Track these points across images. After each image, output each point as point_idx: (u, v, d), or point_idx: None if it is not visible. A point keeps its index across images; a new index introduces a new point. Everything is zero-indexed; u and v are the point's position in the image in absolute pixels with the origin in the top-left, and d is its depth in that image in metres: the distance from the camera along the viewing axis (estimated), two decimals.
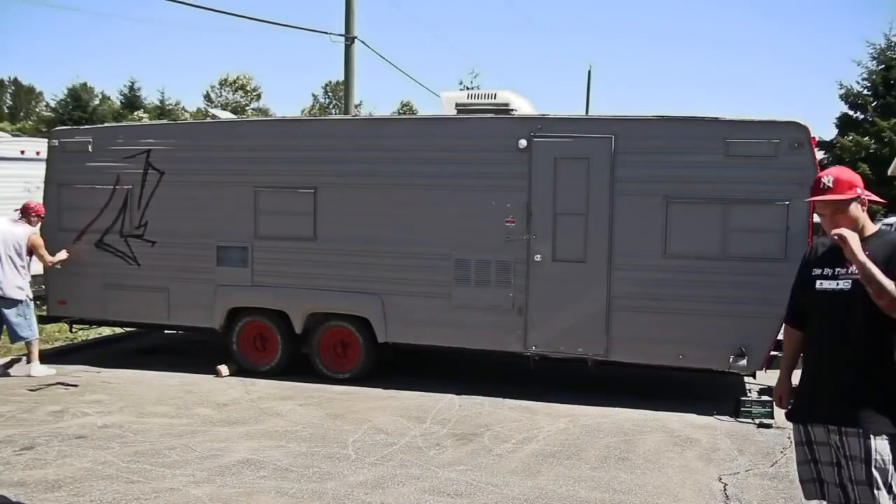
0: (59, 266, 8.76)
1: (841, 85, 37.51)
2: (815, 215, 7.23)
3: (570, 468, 5.76)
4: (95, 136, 9.04)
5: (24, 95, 59.12)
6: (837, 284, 3.27)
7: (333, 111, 47.77)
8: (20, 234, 8.40)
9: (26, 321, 8.44)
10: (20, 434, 6.38)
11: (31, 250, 8.48)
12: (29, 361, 8.58)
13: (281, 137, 8.51)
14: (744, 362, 7.22)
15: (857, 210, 3.29)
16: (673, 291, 7.31)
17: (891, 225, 32.89)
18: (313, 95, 53.19)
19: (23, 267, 8.41)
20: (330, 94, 49.74)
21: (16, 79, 59.25)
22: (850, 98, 37.47)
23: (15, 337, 8.47)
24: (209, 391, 7.93)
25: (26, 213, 8.59)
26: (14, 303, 8.33)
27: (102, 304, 9.02)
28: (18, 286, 8.36)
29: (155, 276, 8.78)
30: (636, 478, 5.58)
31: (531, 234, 7.66)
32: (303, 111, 50.50)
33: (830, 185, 3.28)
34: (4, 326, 8.49)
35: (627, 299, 7.43)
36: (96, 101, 46.84)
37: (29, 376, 8.35)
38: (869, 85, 37.41)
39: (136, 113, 42.31)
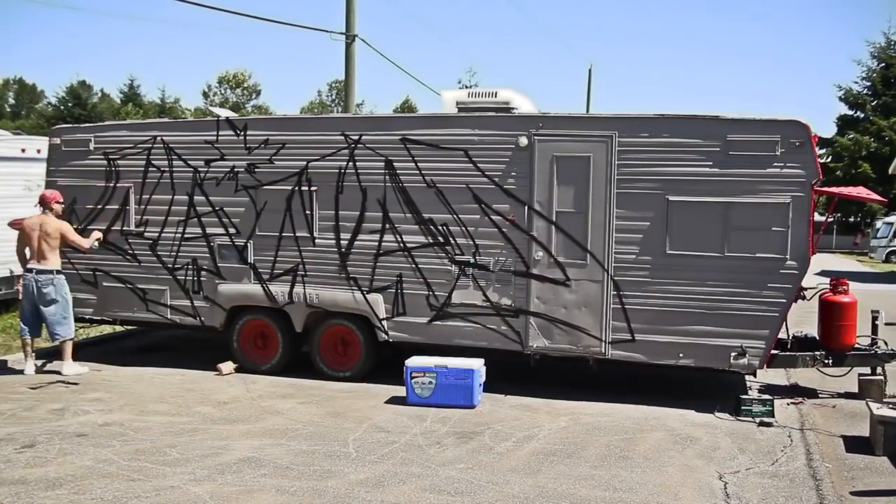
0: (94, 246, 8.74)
1: (840, 87, 37.58)
2: (815, 213, 7.25)
3: (571, 466, 5.77)
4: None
5: (27, 94, 59.21)
6: None
7: (337, 109, 47.78)
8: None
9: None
10: (21, 432, 6.39)
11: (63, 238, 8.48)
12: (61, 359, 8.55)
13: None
14: (744, 361, 7.23)
15: None
16: (673, 290, 7.31)
17: (891, 224, 33.01)
18: (319, 93, 53.27)
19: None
20: (334, 92, 49.71)
21: (21, 79, 59.37)
22: (849, 98, 37.50)
23: None
24: (210, 389, 7.93)
25: (44, 203, 8.57)
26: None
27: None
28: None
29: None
30: (636, 476, 5.59)
31: (532, 233, 7.67)
32: (301, 109, 50.48)
33: None
34: None
35: (627, 298, 7.43)
36: (96, 99, 46.87)
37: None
38: (868, 84, 37.46)
39: (125, 108, 42.30)
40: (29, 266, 8.39)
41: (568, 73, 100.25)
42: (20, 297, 8.47)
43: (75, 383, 8.06)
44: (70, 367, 8.42)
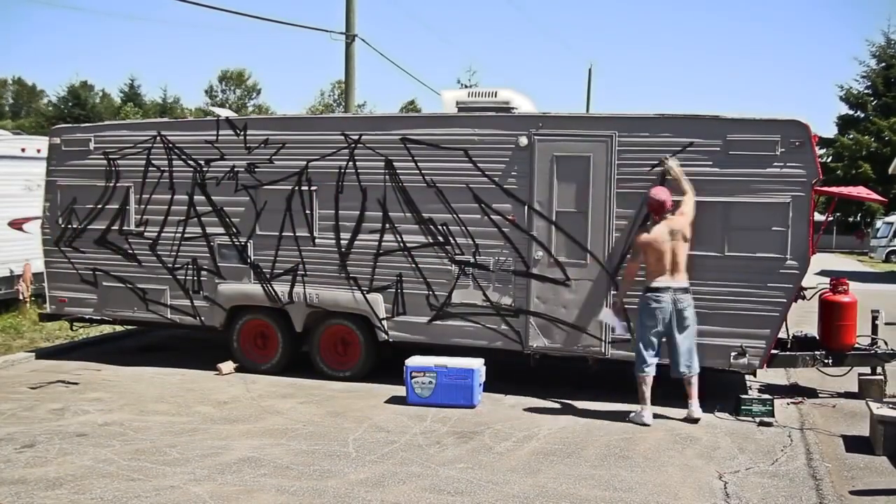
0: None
1: (841, 87, 37.60)
2: (815, 213, 7.24)
3: (571, 466, 5.77)
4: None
5: (27, 94, 59.37)
6: None
7: (338, 110, 47.83)
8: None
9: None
10: (21, 432, 6.39)
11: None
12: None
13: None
14: (744, 360, 7.22)
15: None
16: None
17: (891, 224, 32.98)
18: (322, 93, 53.28)
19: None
20: (337, 91, 49.72)
21: (19, 78, 59.59)
22: (850, 98, 37.51)
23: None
24: (210, 389, 7.93)
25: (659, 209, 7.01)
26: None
27: None
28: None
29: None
30: (636, 476, 5.59)
31: (532, 232, 7.66)
32: (306, 110, 50.53)
33: None
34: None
35: (627, 297, 7.41)
36: (97, 99, 46.92)
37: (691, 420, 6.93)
38: (868, 83, 37.47)
39: (125, 108, 42.35)
40: (662, 283, 6.89)
41: (568, 73, 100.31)
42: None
43: (75, 382, 8.05)
44: (697, 407, 6.93)
